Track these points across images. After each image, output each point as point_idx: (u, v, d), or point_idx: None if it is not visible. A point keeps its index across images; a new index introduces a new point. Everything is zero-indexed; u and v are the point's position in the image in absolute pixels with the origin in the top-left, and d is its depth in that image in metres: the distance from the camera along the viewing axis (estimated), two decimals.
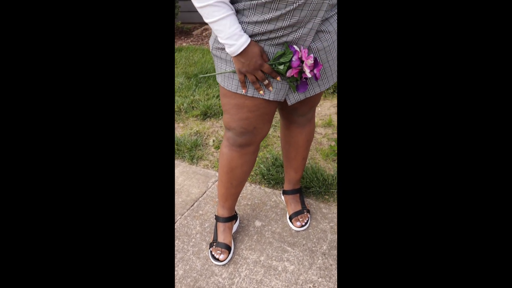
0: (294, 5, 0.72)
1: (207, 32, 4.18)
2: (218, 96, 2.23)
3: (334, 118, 1.91)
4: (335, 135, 1.76)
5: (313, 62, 0.77)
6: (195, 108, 2.15)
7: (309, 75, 0.78)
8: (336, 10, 0.80)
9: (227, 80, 0.86)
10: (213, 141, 1.82)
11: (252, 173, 1.53)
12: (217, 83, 2.45)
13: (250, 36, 0.78)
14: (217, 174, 1.58)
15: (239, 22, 0.77)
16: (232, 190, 1.09)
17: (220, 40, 0.77)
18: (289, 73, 0.79)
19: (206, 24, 4.47)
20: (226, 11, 0.74)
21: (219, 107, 2.09)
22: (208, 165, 1.66)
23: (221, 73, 0.87)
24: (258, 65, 0.78)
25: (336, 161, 1.57)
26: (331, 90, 2.18)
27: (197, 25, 4.57)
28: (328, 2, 0.75)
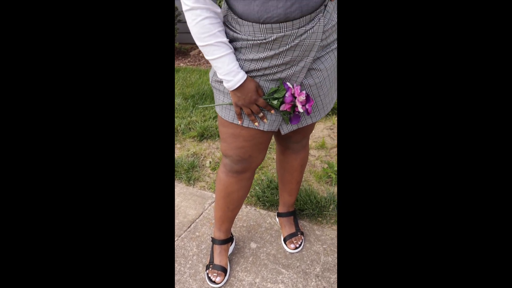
0: (287, 46, 0.79)
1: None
2: (214, 118, 2.29)
3: (327, 140, 1.97)
4: (328, 158, 1.82)
5: (305, 98, 0.83)
6: (192, 129, 2.20)
7: (301, 110, 0.84)
8: (327, 50, 0.87)
9: (225, 111, 0.92)
10: (210, 162, 1.87)
11: (247, 195, 1.57)
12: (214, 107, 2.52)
13: (247, 72, 0.84)
14: (213, 195, 1.62)
15: (237, 59, 0.83)
16: (228, 213, 1.13)
17: (219, 76, 0.83)
18: (283, 108, 0.85)
19: None
20: (225, 50, 0.80)
21: (216, 128, 2.15)
22: (204, 186, 1.70)
23: (219, 105, 0.93)
24: (253, 100, 0.84)
25: (329, 183, 1.62)
26: None
27: (194, 46, 4.68)
28: (318, 44, 0.82)
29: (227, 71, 0.81)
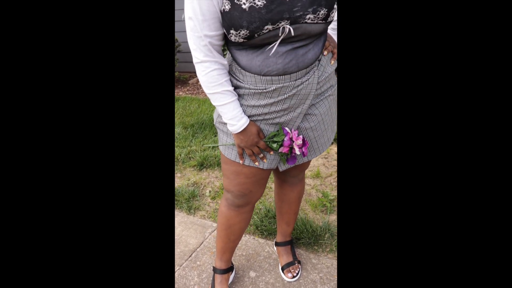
0: (285, 95, 0.89)
1: None
2: (214, 147, 2.38)
3: (322, 169, 2.06)
4: (323, 187, 1.90)
5: (301, 142, 0.93)
6: (192, 159, 2.28)
7: (298, 152, 0.94)
8: (321, 97, 0.97)
9: (228, 150, 1.01)
10: (210, 191, 1.94)
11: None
12: (213, 134, 2.61)
13: (249, 116, 0.93)
14: (213, 224, 1.68)
15: (240, 105, 0.93)
16: (230, 244, 1.20)
17: (224, 120, 0.93)
18: (281, 150, 0.94)
19: None
20: (231, 98, 0.90)
21: (215, 158, 2.23)
22: (205, 215, 1.76)
23: (223, 145, 1.02)
24: (255, 142, 0.93)
25: (325, 212, 1.69)
26: None
27: (193, 74, 4.84)
28: (313, 93, 0.92)
29: (231, 116, 0.90)
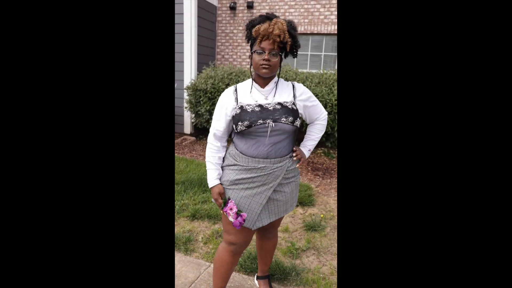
0: (265, 172, 1.41)
1: (186, 142, 5.02)
2: (203, 202, 2.90)
3: (290, 226, 2.64)
4: (291, 238, 2.47)
5: (234, 213, 1.41)
6: (184, 210, 2.77)
7: (231, 219, 1.42)
8: (288, 181, 1.50)
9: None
10: (202, 237, 2.42)
11: None
12: (201, 191, 3.14)
13: (239, 184, 1.43)
14: (206, 263, 2.15)
15: (235, 178, 1.44)
16: (225, 279, 1.67)
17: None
18: (223, 213, 1.47)
19: (186, 134, 5.35)
20: (212, 167, 1.48)
21: (205, 211, 2.75)
22: (199, 256, 2.24)
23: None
24: (215, 199, 1.47)
25: (292, 257, 2.24)
26: None
27: (177, 134, 5.42)
28: (282, 175, 1.46)
29: (209, 178, 1.48)
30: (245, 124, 1.37)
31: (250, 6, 6.37)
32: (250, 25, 1.38)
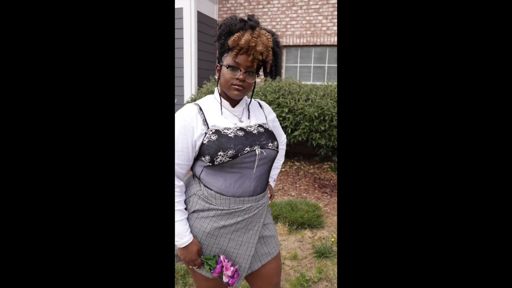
0: (251, 213, 1.10)
1: None
2: None
3: (299, 252, 2.42)
4: (300, 268, 2.24)
5: (231, 274, 1.05)
6: None
7: (225, 280, 1.06)
8: (267, 227, 1.19)
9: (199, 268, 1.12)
10: None
11: None
12: None
13: (217, 235, 1.07)
14: None
15: (210, 227, 1.05)
16: None
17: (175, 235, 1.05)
18: (211, 275, 1.08)
19: None
20: (180, 216, 1.04)
21: None
22: None
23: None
24: (193, 260, 1.06)
25: None
26: (295, 226, 2.76)
27: None
28: (265, 214, 1.16)
29: (178, 232, 1.03)
30: (229, 154, 1.02)
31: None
32: (226, 31, 1.05)
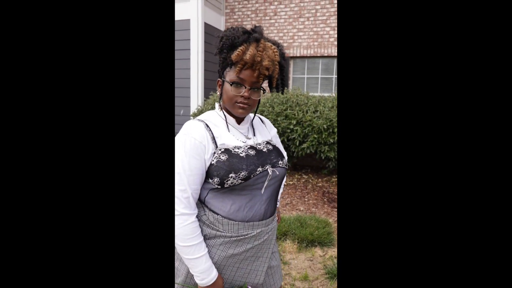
0: (260, 240, 1.01)
1: None
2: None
3: (310, 272, 2.31)
4: None
5: None
6: None
7: None
8: (275, 249, 1.13)
9: None
10: None
11: None
12: None
13: (225, 265, 0.98)
14: None
15: (217, 255, 0.96)
16: None
17: (194, 273, 0.93)
18: None
19: None
20: (204, 250, 0.93)
21: None
22: None
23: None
24: None
25: None
26: (305, 244, 2.64)
27: None
28: (274, 239, 1.07)
29: (204, 269, 0.92)
30: (241, 175, 0.92)
31: None
32: (229, 44, 0.95)
